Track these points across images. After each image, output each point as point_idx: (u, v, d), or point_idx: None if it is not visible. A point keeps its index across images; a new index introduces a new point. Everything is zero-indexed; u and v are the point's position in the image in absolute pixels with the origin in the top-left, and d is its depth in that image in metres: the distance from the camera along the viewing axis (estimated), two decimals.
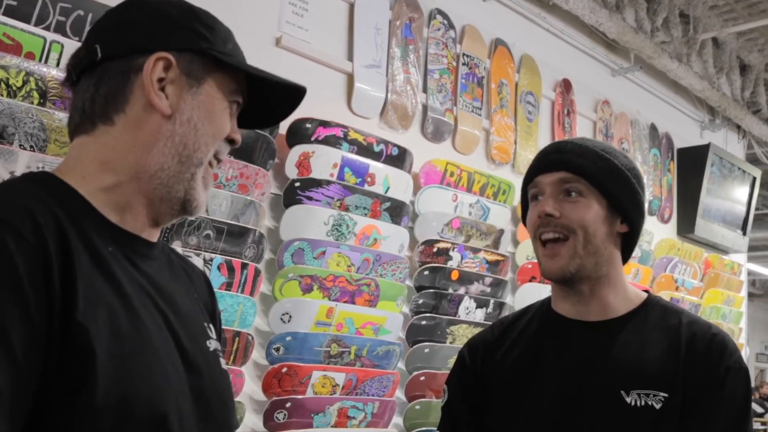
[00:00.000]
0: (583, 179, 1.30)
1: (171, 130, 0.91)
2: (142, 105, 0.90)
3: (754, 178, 4.87)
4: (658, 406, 1.22)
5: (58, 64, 1.73)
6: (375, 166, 2.46)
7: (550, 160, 1.34)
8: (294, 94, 1.03)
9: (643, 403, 1.22)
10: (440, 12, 2.90)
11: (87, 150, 0.91)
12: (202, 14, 0.97)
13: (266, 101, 1.03)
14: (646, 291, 1.41)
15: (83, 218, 0.85)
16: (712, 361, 1.25)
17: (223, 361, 1.00)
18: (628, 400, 1.23)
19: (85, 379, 0.74)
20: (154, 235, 0.96)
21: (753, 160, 5.37)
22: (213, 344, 0.98)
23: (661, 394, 1.23)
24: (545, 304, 1.43)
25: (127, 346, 0.79)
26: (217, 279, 2.02)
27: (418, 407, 2.52)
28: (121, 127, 0.90)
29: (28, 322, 0.72)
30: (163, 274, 0.96)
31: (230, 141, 0.99)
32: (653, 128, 4.15)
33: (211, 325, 1.02)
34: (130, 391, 0.77)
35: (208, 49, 0.94)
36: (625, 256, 1.38)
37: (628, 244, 1.37)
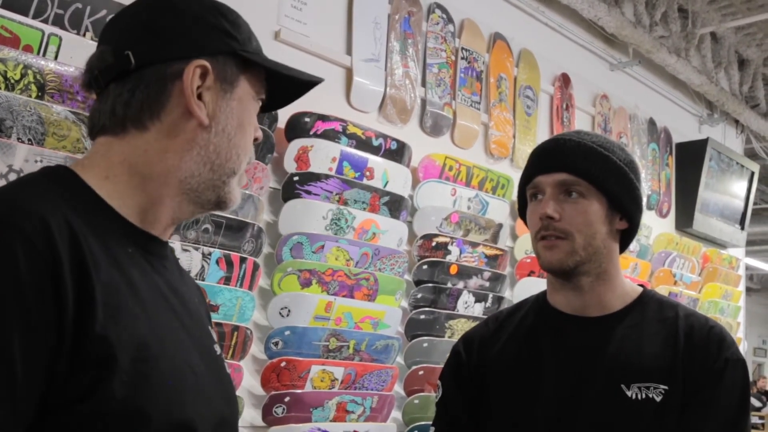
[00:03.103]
0: (584, 181, 1.29)
1: (206, 139, 0.90)
2: (179, 113, 0.89)
3: (753, 173, 4.87)
4: (658, 399, 1.22)
5: (56, 57, 1.72)
6: (374, 160, 2.46)
7: (549, 160, 1.33)
8: (305, 84, 1.02)
9: (643, 396, 1.23)
10: (439, 6, 2.90)
11: (114, 151, 0.89)
12: (225, 9, 0.95)
13: (276, 88, 1.02)
14: (642, 285, 1.41)
15: (102, 220, 0.84)
16: (710, 353, 1.25)
17: (227, 366, 1.00)
18: (628, 393, 1.23)
19: (97, 386, 0.73)
20: (168, 233, 0.96)
21: (751, 154, 5.37)
22: (218, 348, 0.98)
23: (661, 386, 1.23)
24: (540, 298, 1.43)
25: (148, 351, 0.78)
26: (215, 273, 2.02)
27: (416, 401, 2.52)
28: (155, 133, 0.88)
29: (30, 334, 0.70)
30: (175, 275, 0.96)
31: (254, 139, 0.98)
32: (652, 123, 4.15)
33: (212, 329, 1.02)
34: (147, 398, 0.76)
35: (240, 51, 0.93)
36: (622, 249, 1.38)
37: (626, 238, 1.38)
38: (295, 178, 2.24)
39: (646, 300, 1.36)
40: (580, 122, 3.62)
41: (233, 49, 0.92)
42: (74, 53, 1.74)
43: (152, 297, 0.85)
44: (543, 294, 1.43)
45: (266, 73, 0.97)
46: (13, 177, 1.56)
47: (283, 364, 2.14)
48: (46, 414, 0.72)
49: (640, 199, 1.35)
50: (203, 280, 1.99)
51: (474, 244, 2.81)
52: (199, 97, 0.89)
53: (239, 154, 0.94)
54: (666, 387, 1.23)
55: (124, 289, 0.80)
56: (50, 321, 0.72)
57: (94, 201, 0.85)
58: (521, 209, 1.43)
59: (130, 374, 0.75)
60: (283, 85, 1.01)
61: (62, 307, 0.72)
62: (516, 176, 3.00)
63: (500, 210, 2.97)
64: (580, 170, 1.29)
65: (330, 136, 2.34)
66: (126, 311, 0.78)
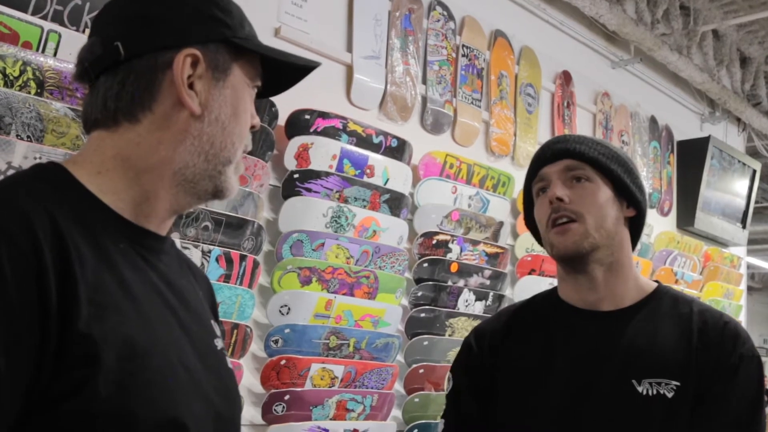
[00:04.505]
0: (588, 165, 1.33)
1: (199, 128, 0.89)
2: (170, 103, 0.88)
3: (754, 171, 4.86)
4: (670, 395, 1.22)
5: (55, 54, 1.72)
6: (374, 158, 2.45)
7: (553, 150, 1.37)
8: (303, 68, 1.02)
9: (654, 392, 1.22)
10: (440, 3, 2.89)
11: (107, 145, 0.88)
12: None
13: (273, 75, 1.01)
14: (656, 281, 1.42)
15: (92, 217, 0.83)
16: (725, 349, 1.25)
17: (229, 360, 0.99)
18: (639, 389, 1.23)
19: (82, 385, 0.72)
20: (167, 227, 0.95)
21: (753, 152, 5.36)
22: (219, 343, 0.97)
23: (673, 382, 1.23)
24: (552, 293, 1.44)
25: (136, 349, 0.77)
26: (215, 271, 2.01)
27: (417, 400, 2.51)
28: (147, 125, 0.88)
29: (14, 333, 0.70)
30: (173, 270, 0.95)
31: (250, 127, 0.97)
32: (653, 121, 4.14)
33: (215, 324, 1.01)
34: (134, 396, 0.75)
35: (232, 38, 0.92)
36: (633, 243, 1.39)
37: (635, 230, 1.38)
38: (295, 176, 2.23)
39: (661, 295, 1.37)
40: (582, 120, 3.61)
41: (225, 36, 0.91)
42: (74, 50, 1.73)
43: (145, 293, 0.84)
44: (554, 290, 1.43)
45: (261, 58, 0.96)
46: None
47: (282, 362, 2.14)
48: (33, 413, 0.72)
49: (643, 188, 1.38)
50: None
51: (475, 242, 2.80)
52: (191, 86, 0.88)
53: (234, 142, 0.92)
54: (678, 383, 1.23)
55: (113, 287, 0.79)
56: (34, 320, 0.71)
57: (84, 197, 0.84)
58: (526, 213, 1.43)
59: (117, 373, 0.74)
60: (279, 70, 1.00)
61: (46, 307, 0.72)
62: (517, 174, 3.00)
63: (501, 208, 2.96)
64: (585, 156, 1.33)
65: (330, 133, 2.33)
66: (113, 309, 0.77)
